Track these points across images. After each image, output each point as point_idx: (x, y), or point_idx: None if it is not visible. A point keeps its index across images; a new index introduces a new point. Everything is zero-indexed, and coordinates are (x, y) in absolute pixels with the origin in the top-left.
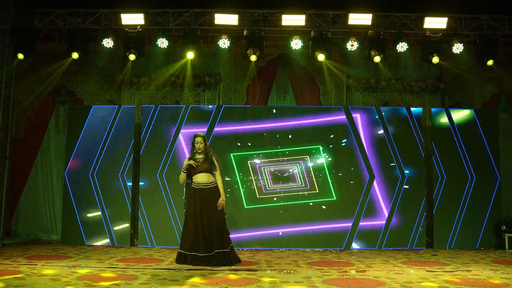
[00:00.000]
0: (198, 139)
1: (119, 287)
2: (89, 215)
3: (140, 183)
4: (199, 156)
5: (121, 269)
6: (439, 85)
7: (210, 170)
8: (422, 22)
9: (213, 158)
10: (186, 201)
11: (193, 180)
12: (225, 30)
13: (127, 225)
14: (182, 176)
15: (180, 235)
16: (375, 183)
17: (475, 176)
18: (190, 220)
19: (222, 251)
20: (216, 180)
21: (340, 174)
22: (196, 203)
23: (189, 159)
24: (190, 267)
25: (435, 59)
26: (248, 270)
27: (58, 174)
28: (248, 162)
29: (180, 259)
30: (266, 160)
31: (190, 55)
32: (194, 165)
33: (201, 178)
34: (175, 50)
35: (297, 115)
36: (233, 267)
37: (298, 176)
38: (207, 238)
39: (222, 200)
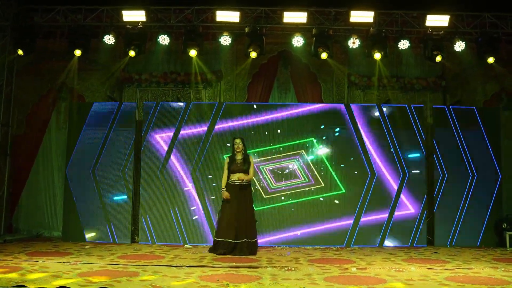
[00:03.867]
0: (237, 141)
1: (120, 284)
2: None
3: (141, 180)
4: (239, 157)
5: (122, 265)
6: (440, 83)
7: (246, 171)
8: (424, 19)
9: (250, 159)
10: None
11: (230, 178)
12: (227, 27)
13: None
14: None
15: (180, 232)
16: (375, 181)
17: (476, 174)
18: (227, 212)
19: (247, 241)
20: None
21: (342, 165)
22: (232, 197)
23: (229, 157)
24: (192, 263)
25: (437, 57)
26: (249, 267)
27: (59, 170)
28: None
29: (215, 247)
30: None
31: (191, 52)
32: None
33: (237, 177)
34: (177, 47)
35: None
36: (234, 264)
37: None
38: (237, 228)
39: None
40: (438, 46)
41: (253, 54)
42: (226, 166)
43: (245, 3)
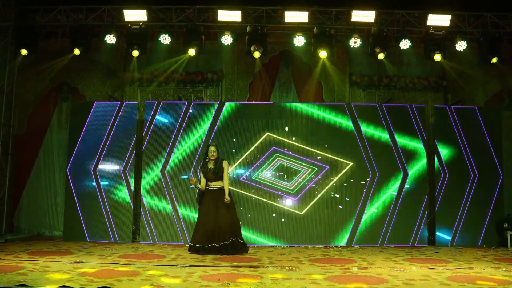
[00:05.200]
0: (212, 148)
1: (121, 283)
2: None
3: (142, 179)
4: (211, 166)
5: (123, 265)
6: (442, 82)
7: (221, 178)
8: (425, 19)
9: (223, 165)
10: (199, 200)
11: (208, 183)
12: (228, 26)
13: None
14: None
15: (181, 231)
16: (376, 181)
17: (478, 174)
18: (203, 216)
19: (233, 240)
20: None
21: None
22: (209, 201)
23: (201, 167)
24: (193, 263)
25: (438, 57)
26: (250, 266)
27: (60, 170)
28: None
29: (192, 249)
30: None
31: (192, 51)
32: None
33: (214, 183)
34: (178, 46)
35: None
36: (235, 263)
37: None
38: (220, 231)
39: (227, 199)
40: (440, 46)
41: (257, 54)
42: (202, 176)
43: (246, 3)
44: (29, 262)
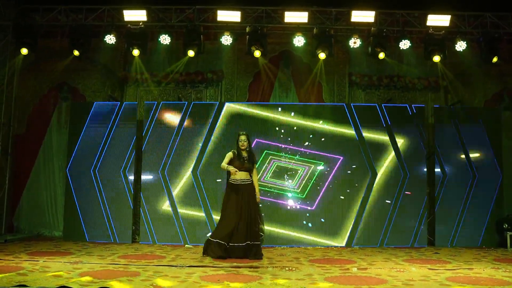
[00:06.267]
0: (243, 137)
1: (121, 283)
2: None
3: (142, 180)
4: (244, 154)
5: (123, 265)
6: (442, 82)
7: (250, 169)
8: (425, 19)
9: (255, 158)
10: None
11: (231, 176)
12: (228, 27)
13: None
14: (225, 168)
15: (181, 231)
16: (376, 181)
17: (477, 174)
18: (229, 212)
19: (253, 243)
20: (252, 178)
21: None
22: (234, 197)
23: (233, 153)
24: (192, 263)
25: (437, 58)
26: (250, 267)
27: (60, 170)
28: None
29: (214, 248)
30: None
31: (191, 53)
32: (235, 172)
33: (240, 175)
34: (178, 46)
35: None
36: (235, 264)
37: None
38: (241, 230)
39: (258, 198)
40: (439, 46)
41: (257, 53)
42: (226, 160)
43: (246, 3)
44: (28, 262)
